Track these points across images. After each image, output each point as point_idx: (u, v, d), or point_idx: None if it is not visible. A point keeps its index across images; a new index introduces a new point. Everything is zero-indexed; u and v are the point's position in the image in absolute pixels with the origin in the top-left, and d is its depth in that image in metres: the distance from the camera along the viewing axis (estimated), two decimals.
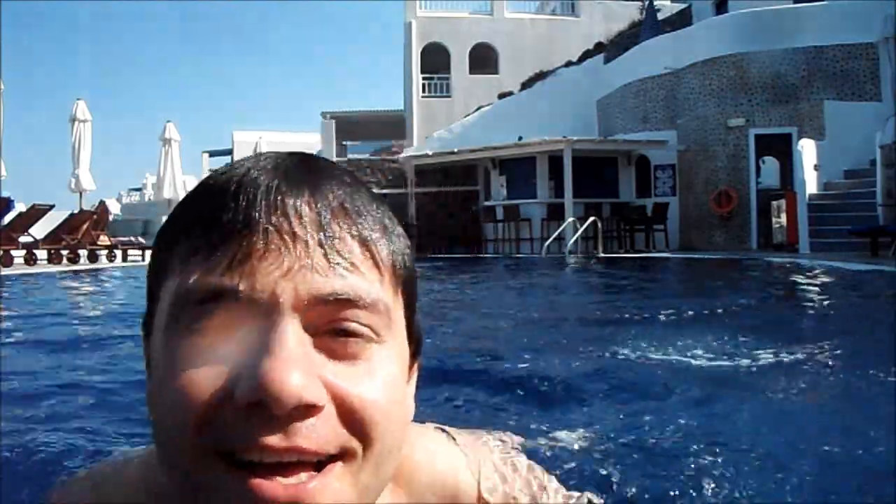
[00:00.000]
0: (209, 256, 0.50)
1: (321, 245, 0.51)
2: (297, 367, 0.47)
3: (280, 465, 0.48)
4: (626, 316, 4.89)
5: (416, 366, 0.62)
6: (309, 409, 0.48)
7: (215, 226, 0.51)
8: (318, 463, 0.49)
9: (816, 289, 7.22)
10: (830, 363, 2.98)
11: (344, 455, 0.50)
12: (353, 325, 0.51)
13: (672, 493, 1.34)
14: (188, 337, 0.50)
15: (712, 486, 1.36)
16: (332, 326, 0.51)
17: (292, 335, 0.49)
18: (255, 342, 0.49)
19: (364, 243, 0.54)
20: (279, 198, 0.52)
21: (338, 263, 0.51)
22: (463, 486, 0.77)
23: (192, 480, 0.49)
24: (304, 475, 0.48)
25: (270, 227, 0.51)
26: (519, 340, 3.94)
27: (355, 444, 0.50)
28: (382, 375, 0.52)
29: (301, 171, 0.55)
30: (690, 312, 4.76)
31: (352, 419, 0.50)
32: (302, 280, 0.50)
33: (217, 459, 0.48)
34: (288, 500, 0.47)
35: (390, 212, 0.59)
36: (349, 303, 0.51)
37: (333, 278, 0.51)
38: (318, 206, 0.53)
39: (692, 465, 1.47)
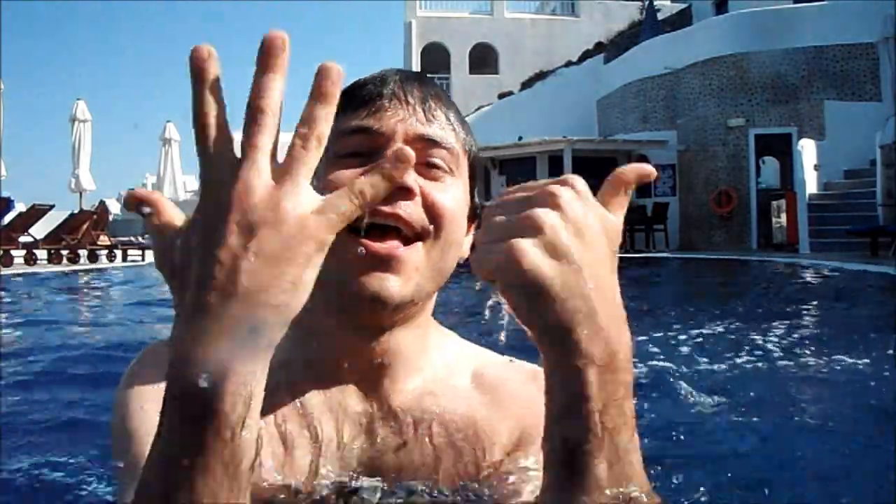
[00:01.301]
0: (355, 111, 0.80)
1: (422, 110, 0.81)
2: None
3: (382, 230, 0.75)
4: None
5: (473, 224, 0.87)
6: (407, 193, 0.75)
7: (359, 95, 0.81)
8: (406, 239, 0.76)
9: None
10: None
11: (422, 237, 0.77)
12: (437, 160, 0.80)
13: None
14: (336, 159, 0.78)
15: None
16: (424, 159, 0.79)
17: None
18: (378, 157, 0.68)
19: (447, 117, 0.84)
20: (400, 83, 0.83)
21: (431, 121, 0.81)
22: None
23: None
24: (396, 242, 0.76)
25: (393, 96, 0.81)
26: None
27: (431, 228, 0.77)
28: (451, 193, 0.81)
29: (414, 74, 0.87)
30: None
31: (431, 209, 0.78)
32: (409, 125, 0.80)
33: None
34: (385, 254, 0.75)
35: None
36: (436, 143, 0.80)
37: (427, 127, 0.81)
38: (423, 90, 0.83)
39: None
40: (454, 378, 0.87)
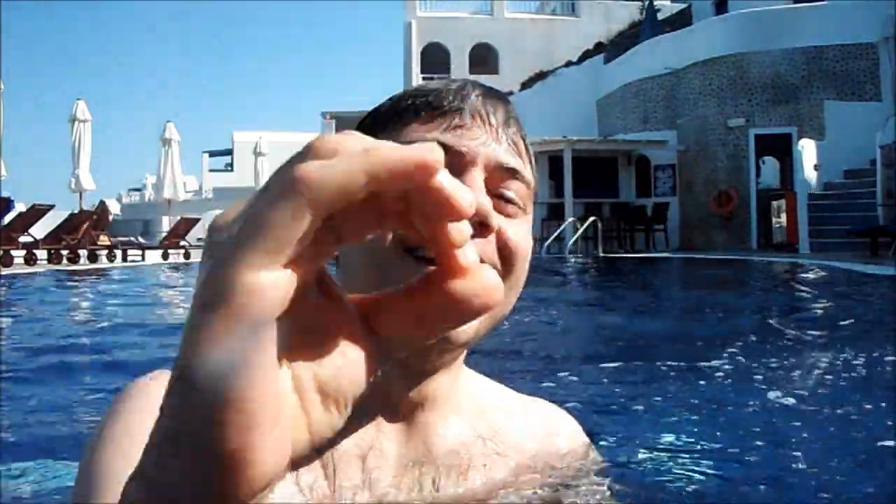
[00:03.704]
0: (428, 123, 0.71)
1: (504, 134, 0.73)
2: (486, 197, 0.67)
3: None
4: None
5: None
6: (485, 228, 0.67)
7: (434, 106, 0.71)
8: None
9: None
10: None
11: None
12: (512, 194, 0.72)
13: None
14: None
15: None
16: (500, 191, 0.71)
17: (480, 181, 0.68)
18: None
19: (525, 144, 0.76)
20: (482, 99, 0.74)
21: (512, 148, 0.73)
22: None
23: (385, 269, 0.66)
24: None
25: (476, 114, 0.71)
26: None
27: (503, 269, 0.70)
28: (525, 230, 0.73)
29: (493, 90, 0.78)
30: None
31: (504, 250, 0.70)
32: (491, 150, 0.70)
33: (406, 254, 0.65)
34: None
35: None
36: (515, 174, 0.72)
37: (509, 156, 0.72)
38: (505, 111, 0.75)
39: None
40: (486, 417, 0.84)
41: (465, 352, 0.78)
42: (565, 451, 0.89)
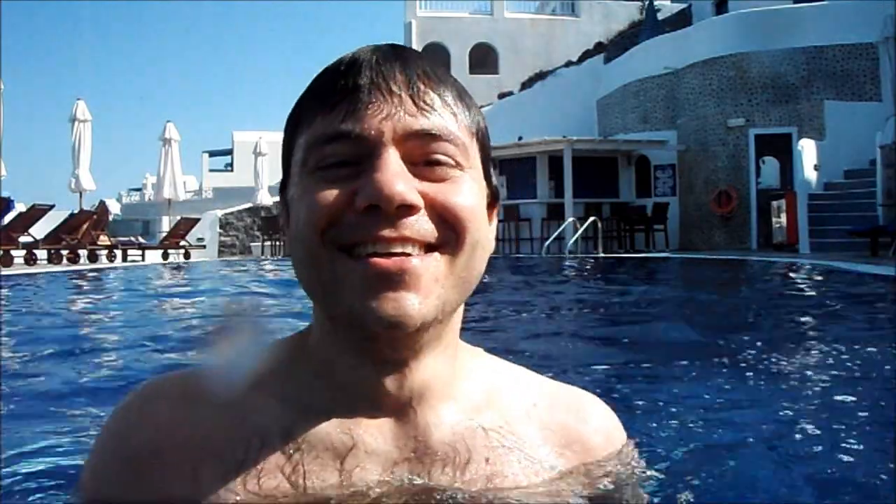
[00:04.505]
0: (330, 112, 0.68)
1: (411, 97, 0.68)
2: (399, 178, 0.64)
3: (389, 257, 0.65)
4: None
5: (495, 210, 0.77)
6: (410, 209, 0.65)
7: (332, 91, 0.69)
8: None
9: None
10: None
11: (441, 246, 0.67)
12: (439, 155, 0.68)
13: None
14: (317, 172, 0.68)
15: None
16: (423, 158, 0.68)
17: (393, 159, 0.66)
18: (367, 167, 0.66)
19: (442, 98, 0.70)
20: (378, 67, 0.69)
21: (423, 109, 0.68)
22: None
23: (325, 272, 0.66)
24: (408, 254, 0.65)
25: (372, 87, 0.67)
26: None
27: (450, 235, 0.67)
28: (465, 188, 0.69)
29: (393, 50, 0.72)
30: None
31: (443, 215, 0.67)
32: (398, 121, 0.67)
33: (340, 253, 0.65)
34: (396, 269, 0.64)
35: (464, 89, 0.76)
36: (434, 137, 0.68)
37: (421, 119, 0.67)
38: (407, 71, 0.69)
39: None
40: (495, 406, 0.77)
41: (454, 327, 0.74)
42: (594, 444, 0.81)
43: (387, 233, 0.64)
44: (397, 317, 0.64)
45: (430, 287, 0.66)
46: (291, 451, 0.69)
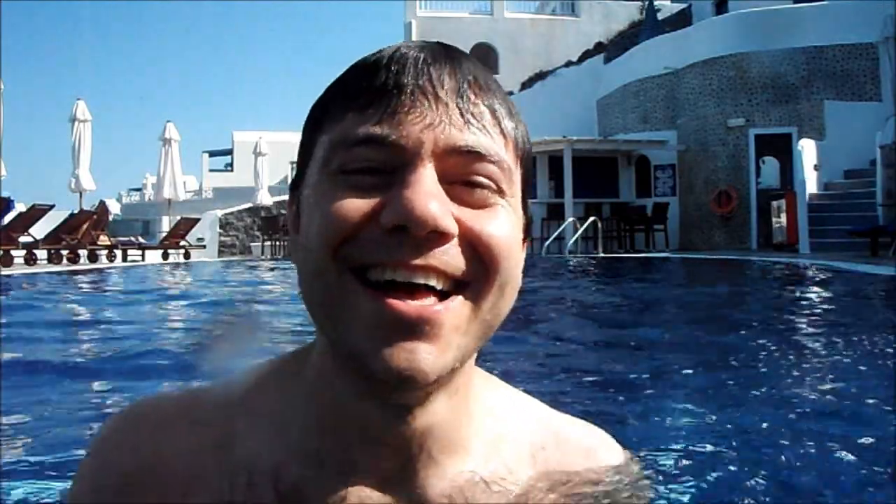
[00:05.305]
0: (363, 110, 0.59)
1: (458, 107, 0.59)
2: (434, 199, 0.56)
3: (409, 288, 0.56)
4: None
5: (527, 242, 0.68)
6: (441, 236, 0.56)
7: (369, 87, 0.60)
8: (443, 294, 0.57)
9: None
10: None
11: (467, 286, 0.59)
12: (481, 178, 0.60)
13: None
14: (340, 175, 0.59)
15: None
16: (463, 178, 0.59)
17: (430, 176, 0.57)
18: (398, 180, 0.57)
19: (493, 112, 0.62)
20: (425, 67, 0.60)
21: (471, 123, 0.59)
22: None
23: (331, 293, 0.58)
24: (430, 299, 0.57)
25: (417, 89, 0.59)
26: None
27: (480, 271, 0.59)
28: (504, 219, 0.61)
29: (443, 50, 0.64)
30: None
31: (477, 249, 0.58)
32: (441, 133, 0.58)
33: (352, 276, 0.57)
34: (416, 316, 0.56)
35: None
36: (479, 156, 0.59)
37: (467, 134, 0.59)
38: (458, 76, 0.61)
39: None
40: (500, 454, 0.70)
41: (469, 368, 0.67)
42: (603, 486, 0.75)
43: (411, 260, 0.56)
44: (410, 371, 0.56)
45: (449, 338, 0.58)
46: (278, 494, 0.64)
